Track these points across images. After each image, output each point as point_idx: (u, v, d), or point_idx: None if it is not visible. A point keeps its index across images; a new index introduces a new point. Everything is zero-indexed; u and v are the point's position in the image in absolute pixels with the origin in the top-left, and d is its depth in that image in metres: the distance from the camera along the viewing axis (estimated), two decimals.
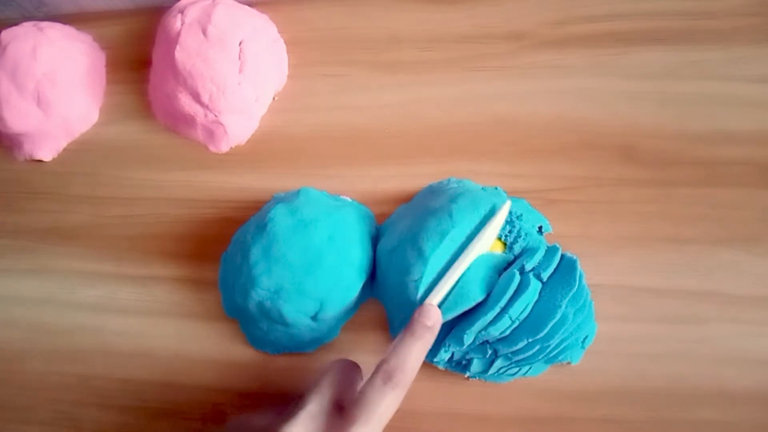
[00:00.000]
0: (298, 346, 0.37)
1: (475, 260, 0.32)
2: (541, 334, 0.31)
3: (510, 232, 0.34)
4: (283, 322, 0.35)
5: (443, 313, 0.32)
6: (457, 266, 0.32)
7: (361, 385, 0.30)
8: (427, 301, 0.31)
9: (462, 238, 0.33)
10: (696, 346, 0.34)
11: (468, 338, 0.32)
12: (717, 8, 0.39)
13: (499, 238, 0.34)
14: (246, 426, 0.30)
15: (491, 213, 0.33)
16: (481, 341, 0.33)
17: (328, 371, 0.29)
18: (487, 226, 0.33)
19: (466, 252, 0.32)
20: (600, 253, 0.36)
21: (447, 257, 0.33)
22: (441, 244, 0.33)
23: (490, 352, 0.33)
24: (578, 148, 0.38)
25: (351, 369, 0.30)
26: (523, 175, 0.38)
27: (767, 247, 0.35)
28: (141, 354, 0.39)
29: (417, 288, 0.32)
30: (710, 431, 0.33)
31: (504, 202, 0.33)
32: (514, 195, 0.37)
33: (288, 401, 0.30)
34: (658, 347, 0.34)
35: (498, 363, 0.33)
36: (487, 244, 0.33)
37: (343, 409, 0.28)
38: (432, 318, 0.30)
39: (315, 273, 0.34)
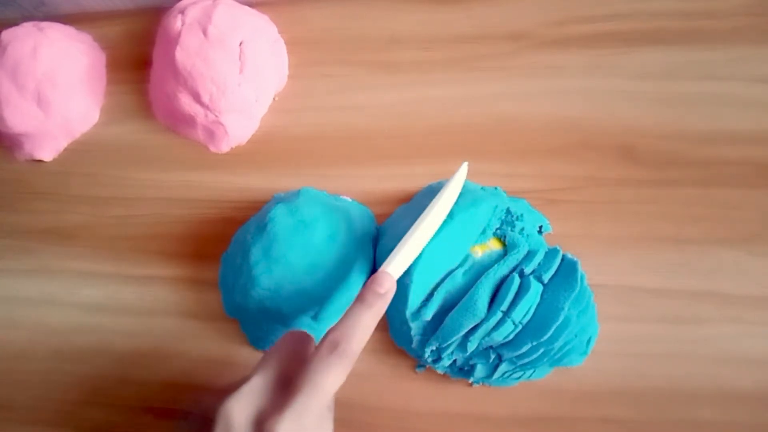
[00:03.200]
0: None
1: (484, 277, 0.32)
2: (545, 337, 0.31)
3: (511, 230, 0.34)
4: (283, 322, 0.35)
5: (452, 328, 0.32)
6: (414, 230, 0.31)
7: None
8: (382, 268, 0.30)
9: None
10: (696, 346, 0.34)
11: (472, 345, 0.32)
12: (717, 8, 0.39)
13: (498, 238, 0.34)
14: (196, 407, 0.28)
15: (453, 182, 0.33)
16: (484, 347, 0.33)
17: (275, 344, 0.28)
18: (444, 188, 0.32)
19: (423, 215, 0.31)
20: (600, 253, 0.36)
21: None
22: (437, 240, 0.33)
23: (493, 356, 0.33)
24: (578, 148, 0.38)
25: (300, 340, 0.29)
26: (523, 175, 0.38)
27: (767, 247, 0.35)
28: (141, 354, 0.39)
29: (403, 278, 0.32)
30: (710, 431, 0.33)
31: (462, 165, 0.33)
32: (514, 195, 0.37)
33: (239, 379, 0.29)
34: (658, 347, 0.34)
35: (502, 367, 0.33)
36: (446, 208, 0.32)
37: (290, 381, 0.26)
38: (385, 285, 0.29)
39: (315, 273, 0.34)
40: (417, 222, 0.31)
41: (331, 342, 0.26)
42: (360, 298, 0.28)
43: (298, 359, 0.28)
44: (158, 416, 0.38)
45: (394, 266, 0.30)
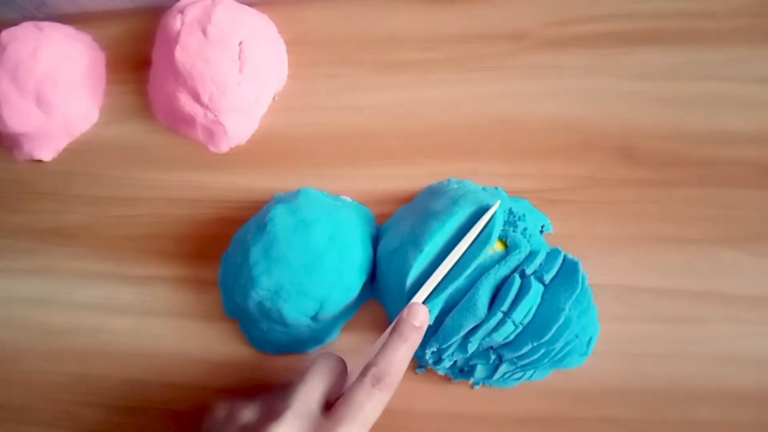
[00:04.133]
0: (298, 347, 0.37)
1: (485, 278, 0.32)
2: (546, 338, 0.31)
3: (513, 231, 0.34)
4: (283, 323, 0.35)
5: (453, 329, 0.32)
6: (446, 264, 0.32)
7: (347, 381, 0.29)
8: (414, 300, 0.31)
9: (454, 236, 0.33)
10: (696, 346, 0.34)
11: (472, 346, 0.32)
12: (717, 8, 0.39)
13: (500, 239, 0.34)
14: (232, 420, 0.29)
15: (482, 210, 0.33)
16: (485, 347, 0.33)
17: (315, 367, 0.29)
18: (477, 224, 0.33)
19: (456, 250, 0.32)
20: (600, 254, 0.36)
21: (438, 253, 0.33)
22: (435, 241, 0.33)
23: (493, 357, 0.33)
24: (578, 148, 0.38)
25: (337, 365, 0.30)
26: (523, 175, 0.38)
27: (767, 247, 0.35)
28: (141, 354, 0.39)
29: (405, 280, 0.32)
30: (710, 431, 0.33)
31: (496, 201, 0.33)
32: (514, 195, 0.37)
33: (274, 391, 0.29)
34: (658, 347, 0.34)
35: (503, 368, 0.33)
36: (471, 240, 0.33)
37: (329, 407, 0.27)
38: (419, 318, 0.30)
39: (315, 273, 0.34)
40: (449, 256, 0.32)
41: (375, 376, 0.27)
42: (398, 332, 0.29)
43: (337, 384, 0.29)
44: (158, 417, 0.38)
45: (425, 296, 0.32)
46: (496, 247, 0.34)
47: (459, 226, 0.33)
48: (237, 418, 0.28)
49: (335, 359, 0.30)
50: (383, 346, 0.29)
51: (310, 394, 0.28)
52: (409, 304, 0.31)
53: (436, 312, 0.33)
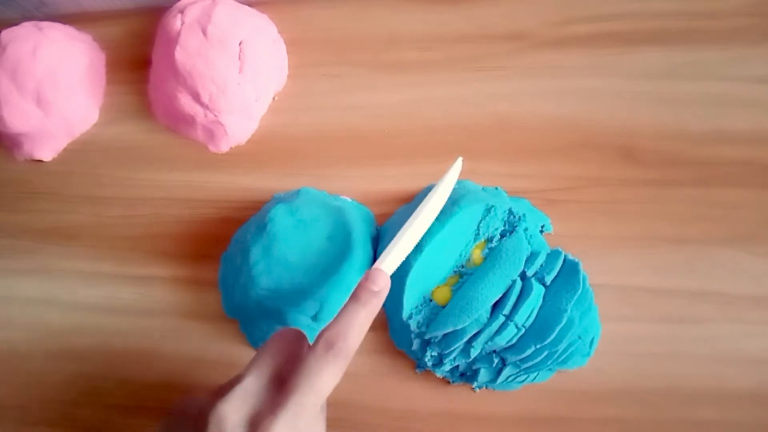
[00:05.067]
0: None
1: (490, 278, 0.32)
2: (549, 340, 0.31)
3: (513, 231, 0.34)
4: (283, 323, 0.35)
5: (447, 320, 0.32)
6: (408, 227, 0.31)
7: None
8: (376, 265, 0.30)
9: (455, 236, 0.33)
10: (696, 346, 0.34)
11: (475, 350, 0.32)
12: (717, 8, 0.39)
13: (485, 240, 0.34)
14: (187, 408, 0.28)
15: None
16: (487, 351, 0.32)
17: (267, 343, 0.28)
18: (438, 183, 0.32)
19: (417, 211, 0.31)
20: (600, 254, 0.36)
21: (438, 254, 0.33)
22: (435, 241, 0.33)
23: (496, 361, 0.33)
24: (578, 148, 0.38)
25: (293, 339, 0.28)
26: (523, 175, 0.38)
27: (767, 247, 0.35)
28: (141, 354, 0.39)
29: (405, 280, 0.32)
30: (710, 431, 0.33)
31: (456, 161, 0.32)
32: (514, 195, 0.37)
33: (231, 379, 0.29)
34: (659, 347, 0.34)
35: (506, 371, 0.33)
36: (440, 203, 0.32)
37: (284, 381, 0.26)
38: (379, 283, 0.28)
39: (315, 273, 0.34)
40: (410, 218, 0.31)
41: (327, 341, 0.26)
42: (354, 297, 0.28)
43: (292, 358, 0.27)
44: (158, 417, 0.38)
45: (388, 263, 0.30)
46: (478, 246, 0.34)
47: (459, 227, 0.34)
48: (192, 405, 0.27)
49: (290, 332, 0.28)
50: (338, 312, 0.27)
51: (258, 369, 0.26)
52: (370, 269, 0.29)
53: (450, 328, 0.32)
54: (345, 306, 0.27)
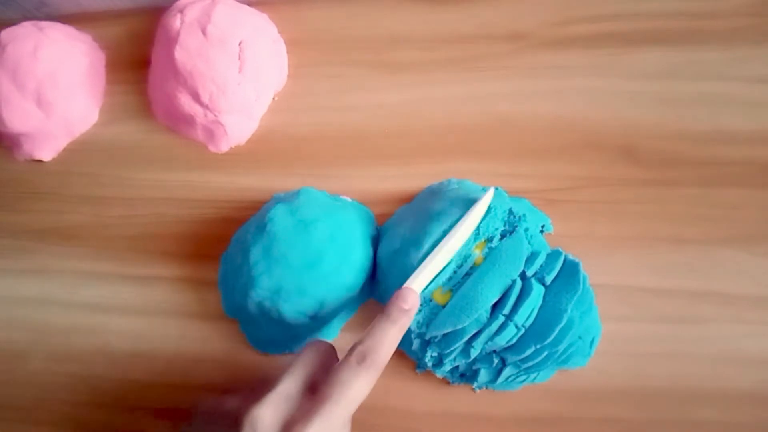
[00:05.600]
0: (298, 346, 0.37)
1: (490, 278, 0.32)
2: (549, 340, 0.31)
3: (514, 231, 0.34)
4: (283, 322, 0.35)
5: (455, 334, 0.32)
6: (439, 250, 0.32)
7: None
8: (406, 284, 0.31)
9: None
10: (696, 346, 0.34)
11: (475, 351, 0.32)
12: (717, 8, 0.39)
13: (485, 239, 0.34)
14: (216, 410, 0.29)
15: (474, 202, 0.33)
16: (487, 352, 0.32)
17: (301, 353, 0.29)
18: (469, 211, 0.33)
19: (447, 237, 0.32)
20: (600, 254, 0.36)
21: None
22: (436, 242, 0.33)
23: (496, 361, 0.32)
24: (579, 148, 0.38)
25: (326, 351, 0.30)
26: (523, 175, 0.38)
27: (767, 247, 0.35)
28: (141, 354, 0.39)
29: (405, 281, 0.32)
30: (710, 431, 0.33)
31: (487, 190, 0.33)
32: (514, 195, 0.37)
33: (260, 382, 0.29)
34: (659, 347, 0.34)
35: (506, 372, 0.32)
36: (469, 229, 0.33)
37: (316, 390, 0.27)
38: (409, 301, 0.30)
39: (315, 273, 0.34)
40: (442, 242, 0.32)
41: (360, 354, 0.27)
42: (386, 314, 0.29)
43: (324, 368, 0.28)
44: (158, 416, 0.38)
45: (418, 283, 0.31)
46: (477, 246, 0.34)
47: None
48: (221, 407, 0.28)
49: (323, 344, 0.30)
50: (370, 328, 0.29)
51: (293, 376, 0.28)
52: (400, 288, 0.31)
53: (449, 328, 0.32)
54: (376, 322, 0.29)
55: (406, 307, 0.29)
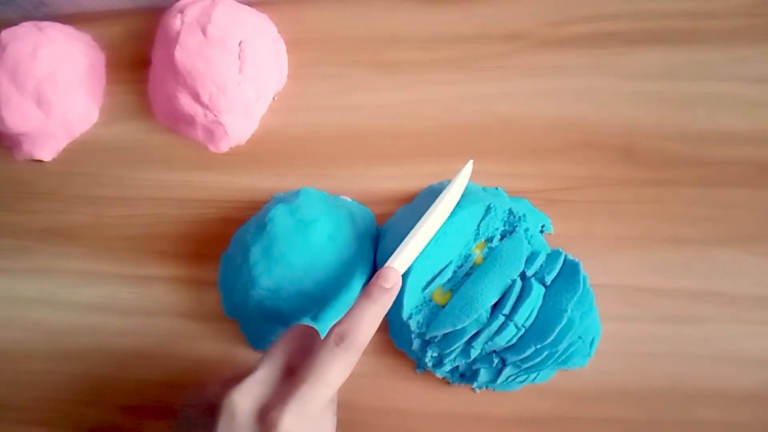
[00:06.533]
0: None
1: (490, 279, 0.32)
2: (549, 340, 0.31)
3: (514, 231, 0.34)
4: (283, 322, 0.35)
5: (455, 334, 0.32)
6: (419, 227, 0.31)
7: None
8: (388, 263, 0.30)
9: (456, 237, 0.33)
10: (696, 346, 0.34)
11: (475, 351, 0.32)
12: (717, 8, 0.39)
13: (485, 239, 0.34)
14: (201, 399, 0.29)
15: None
16: (487, 352, 0.32)
17: (280, 337, 0.29)
18: (449, 185, 0.32)
19: (428, 212, 0.32)
20: (600, 254, 0.36)
21: (439, 255, 0.33)
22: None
23: (496, 361, 0.32)
24: (578, 148, 0.38)
25: (305, 333, 0.29)
26: (523, 175, 0.38)
27: (767, 247, 0.35)
28: (141, 354, 0.39)
29: (406, 281, 0.32)
30: (710, 431, 0.33)
31: (467, 163, 0.33)
32: (514, 195, 0.37)
33: (241, 371, 0.29)
34: (659, 347, 0.34)
35: (506, 371, 0.33)
36: (450, 205, 0.32)
37: (295, 373, 0.27)
38: (390, 280, 0.29)
39: (315, 273, 0.34)
40: (422, 219, 0.31)
41: (338, 334, 0.26)
42: (366, 293, 0.28)
43: (304, 352, 0.28)
44: (158, 416, 0.38)
45: (399, 262, 0.30)
46: (477, 246, 0.34)
47: (460, 227, 0.33)
48: (204, 396, 0.28)
49: (303, 327, 0.29)
50: (350, 308, 0.28)
51: (271, 361, 0.27)
52: (382, 267, 0.30)
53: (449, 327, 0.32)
54: (356, 302, 0.28)
55: (387, 286, 0.29)
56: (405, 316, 0.33)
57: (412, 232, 0.31)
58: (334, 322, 0.36)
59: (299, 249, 0.34)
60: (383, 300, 0.28)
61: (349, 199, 0.39)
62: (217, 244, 0.40)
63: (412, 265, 0.33)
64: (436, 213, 0.32)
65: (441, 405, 0.35)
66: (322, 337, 0.29)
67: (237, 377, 0.27)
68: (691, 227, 0.36)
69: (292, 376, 0.27)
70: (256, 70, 0.41)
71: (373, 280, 0.29)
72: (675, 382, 0.33)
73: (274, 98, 0.43)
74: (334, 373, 0.26)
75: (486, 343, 0.32)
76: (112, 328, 0.40)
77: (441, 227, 0.33)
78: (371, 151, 0.40)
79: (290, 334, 0.29)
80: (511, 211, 0.34)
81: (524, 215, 0.34)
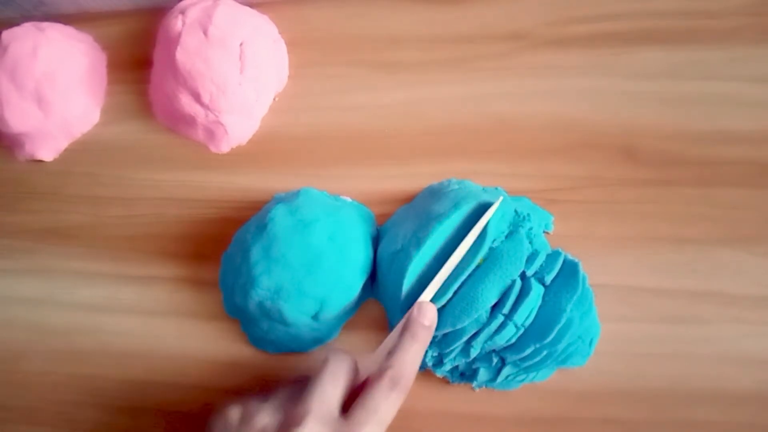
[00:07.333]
0: (299, 346, 0.37)
1: (490, 279, 0.32)
2: (548, 339, 0.31)
3: (518, 232, 0.34)
4: (284, 322, 0.35)
5: (455, 334, 0.32)
6: (451, 262, 0.32)
7: (356, 377, 0.30)
8: (422, 298, 0.31)
9: (456, 238, 0.33)
10: (696, 346, 0.34)
11: (474, 350, 0.32)
12: (717, 8, 0.39)
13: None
14: (248, 423, 0.28)
15: (483, 207, 0.33)
16: (487, 351, 0.32)
17: (329, 367, 0.29)
18: (478, 223, 0.33)
19: (460, 247, 0.32)
20: (600, 253, 0.36)
21: (440, 256, 0.33)
22: (437, 243, 0.33)
23: (496, 360, 0.33)
24: (579, 148, 0.38)
25: (351, 365, 0.30)
26: (524, 175, 0.38)
27: (767, 247, 0.35)
28: (141, 354, 0.39)
29: (402, 279, 0.32)
30: (710, 431, 0.33)
31: (498, 198, 0.33)
32: (514, 195, 0.37)
33: (286, 390, 0.29)
34: (659, 347, 0.34)
35: (506, 371, 0.33)
36: (474, 238, 0.33)
37: (344, 407, 0.27)
38: (428, 317, 0.30)
39: (315, 273, 0.34)
40: (455, 254, 0.32)
41: (391, 379, 0.28)
42: (410, 333, 0.30)
43: (353, 386, 0.29)
44: (158, 416, 0.38)
45: (428, 295, 0.32)
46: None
47: (461, 228, 0.33)
48: (253, 422, 0.28)
49: (348, 360, 0.30)
50: (396, 348, 0.29)
51: (328, 396, 0.27)
52: (418, 302, 0.31)
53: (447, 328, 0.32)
54: (402, 341, 0.29)
55: (427, 323, 0.30)
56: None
57: (445, 267, 0.32)
58: (334, 322, 0.36)
59: (299, 249, 0.34)
60: (424, 337, 0.30)
61: (349, 199, 0.39)
62: (218, 244, 0.40)
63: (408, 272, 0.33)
64: (463, 246, 0.32)
65: (441, 405, 0.35)
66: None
67: (291, 410, 0.27)
68: (692, 227, 0.36)
69: (344, 411, 0.27)
70: (257, 71, 0.41)
71: (412, 317, 0.30)
72: (675, 382, 0.33)
73: (274, 98, 0.43)
74: (389, 414, 0.27)
75: (486, 342, 0.32)
76: (111, 328, 0.40)
77: (441, 227, 0.33)
78: (371, 151, 0.40)
79: (338, 365, 0.29)
80: (516, 212, 0.34)
81: (528, 215, 0.34)
